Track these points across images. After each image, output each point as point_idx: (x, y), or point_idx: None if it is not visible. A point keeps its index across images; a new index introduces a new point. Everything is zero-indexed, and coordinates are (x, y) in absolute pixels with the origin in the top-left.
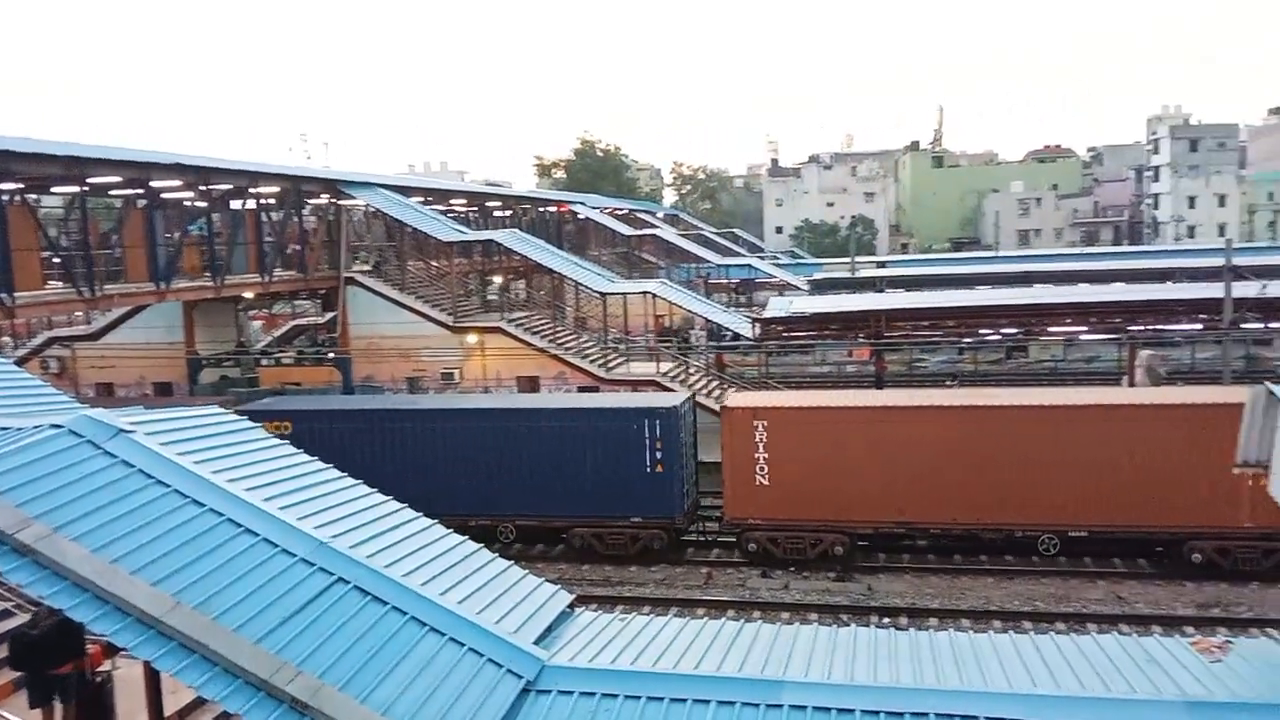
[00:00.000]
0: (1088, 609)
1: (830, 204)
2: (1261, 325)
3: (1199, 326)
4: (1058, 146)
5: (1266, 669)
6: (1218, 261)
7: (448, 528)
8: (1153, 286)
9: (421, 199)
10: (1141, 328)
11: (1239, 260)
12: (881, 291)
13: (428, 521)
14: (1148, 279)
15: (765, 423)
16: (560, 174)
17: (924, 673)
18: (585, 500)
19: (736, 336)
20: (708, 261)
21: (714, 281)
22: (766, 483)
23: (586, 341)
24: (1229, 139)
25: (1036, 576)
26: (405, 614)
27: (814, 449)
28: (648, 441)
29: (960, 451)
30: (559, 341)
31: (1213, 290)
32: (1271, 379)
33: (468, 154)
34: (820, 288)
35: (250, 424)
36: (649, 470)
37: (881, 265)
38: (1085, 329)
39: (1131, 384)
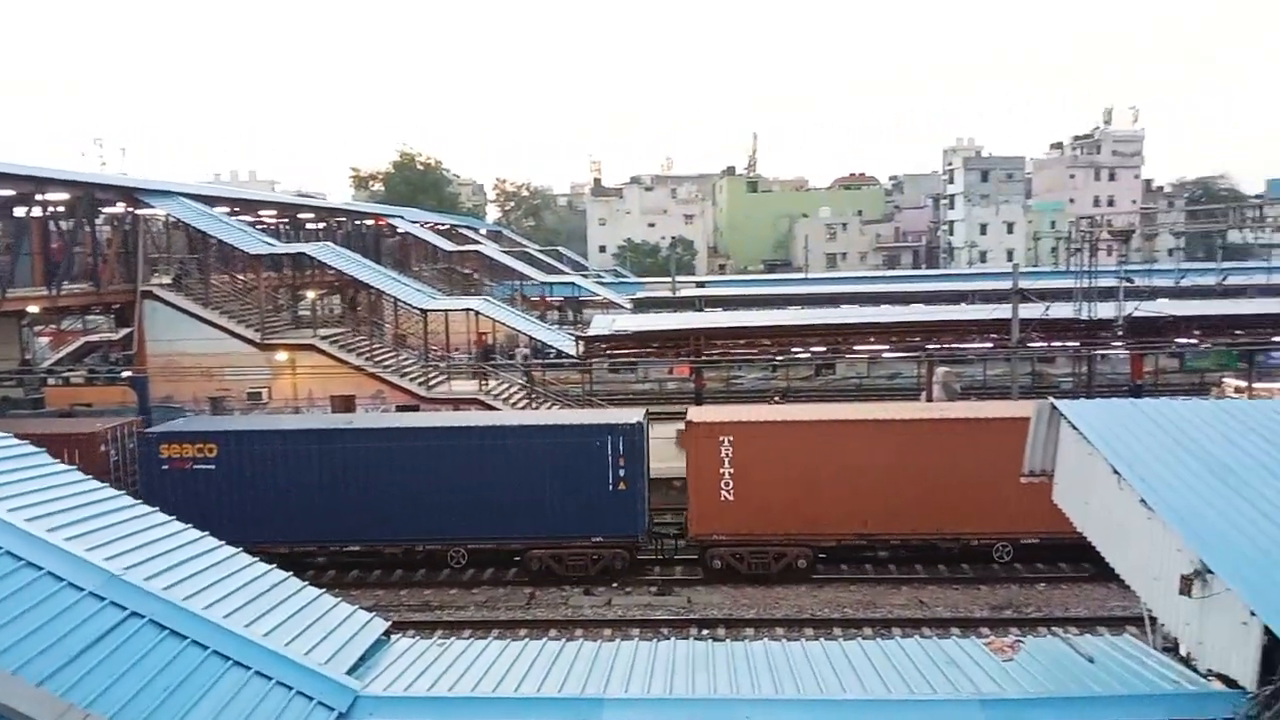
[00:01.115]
0: (893, 614)
1: (652, 224)
2: (1045, 344)
3: (990, 345)
4: (862, 175)
5: (1052, 665)
6: (1006, 284)
7: (395, 552)
8: (948, 308)
9: (228, 209)
10: (938, 346)
11: (1025, 283)
12: (700, 311)
13: (231, 550)
14: (944, 300)
15: (731, 438)
16: (378, 187)
17: (740, 683)
18: (544, 521)
19: (561, 354)
20: (532, 279)
21: (538, 299)
22: (732, 498)
23: (406, 359)
24: (1016, 171)
25: (845, 584)
26: (206, 648)
27: (780, 463)
28: (610, 458)
29: (919, 464)
30: (377, 359)
31: (1002, 311)
32: (1055, 394)
33: (279, 164)
34: (642, 306)
35: (33, 449)
36: (612, 488)
37: (701, 285)
38: (887, 347)
39: (929, 399)
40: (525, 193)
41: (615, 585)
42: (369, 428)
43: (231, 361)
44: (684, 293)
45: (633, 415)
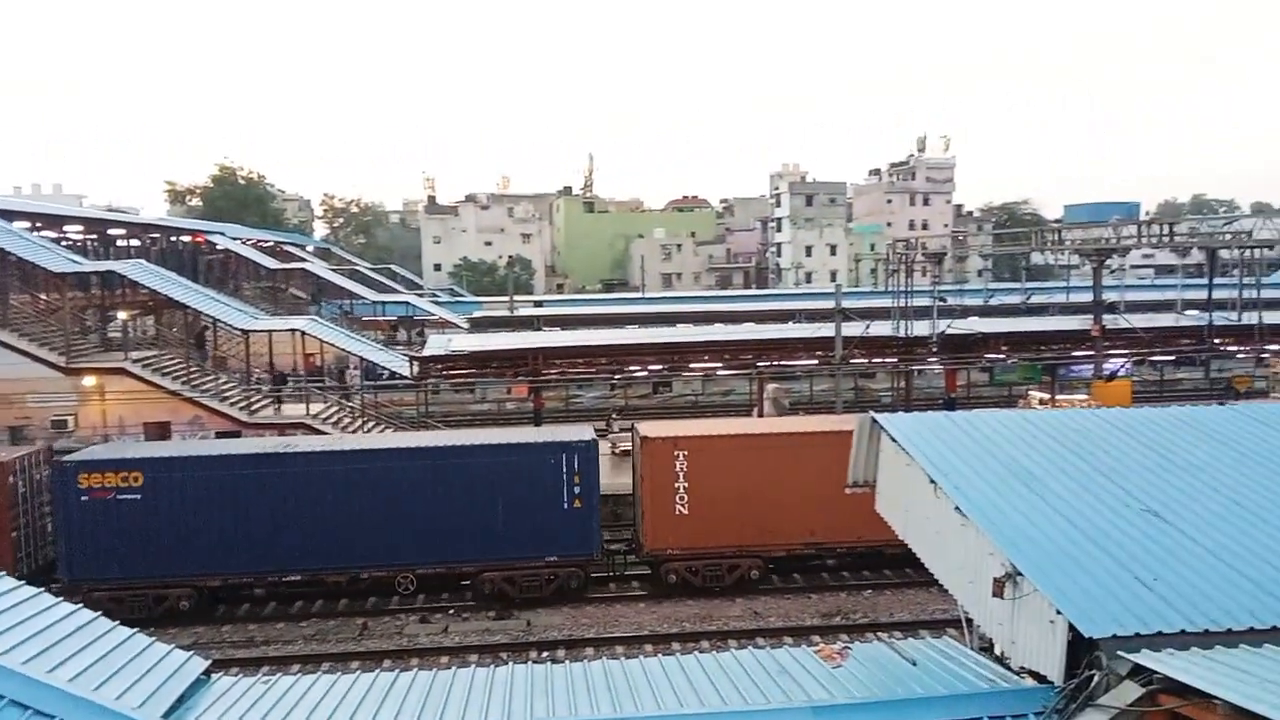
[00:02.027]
0: (729, 626)
1: (488, 243)
2: (866, 360)
3: (816, 362)
4: (695, 197)
5: (878, 669)
6: (830, 304)
7: (339, 581)
8: (777, 326)
9: (28, 224)
10: (768, 363)
11: (847, 303)
12: (539, 330)
13: (32, 590)
14: (773, 319)
15: (685, 452)
16: (197, 202)
17: (579, 705)
18: (498, 542)
19: (394, 375)
20: (363, 298)
21: (370, 319)
22: (686, 512)
23: (227, 382)
24: (839, 195)
25: (683, 599)
26: (2, 698)
27: (733, 476)
28: (565, 476)
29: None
30: (194, 383)
31: (826, 330)
32: (876, 408)
33: (88, 177)
34: (480, 326)
35: None
36: (567, 506)
37: (539, 304)
38: (721, 365)
39: (761, 414)
40: (355, 209)
41: (452, 612)
42: (309, 451)
43: (33, 387)
44: (522, 312)
45: (584, 432)
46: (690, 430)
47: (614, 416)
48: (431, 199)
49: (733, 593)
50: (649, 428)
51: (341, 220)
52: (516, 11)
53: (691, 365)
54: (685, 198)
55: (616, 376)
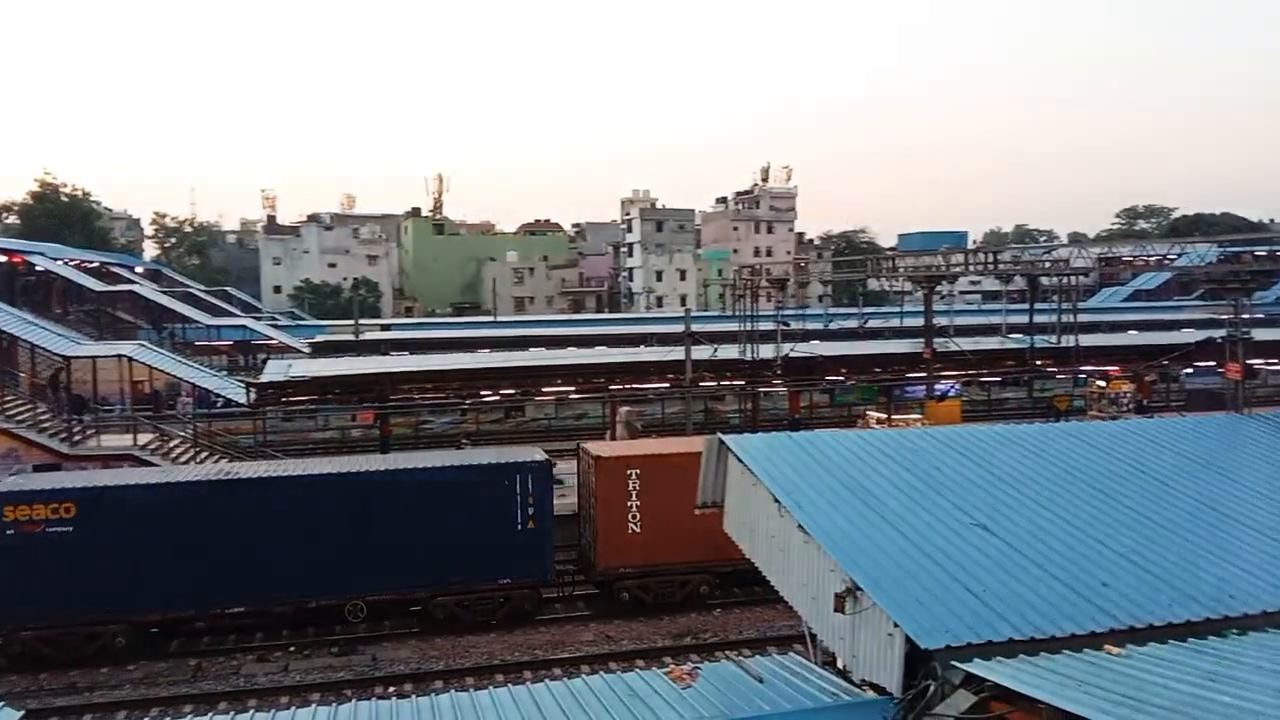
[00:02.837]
0: (581, 651)
1: (332, 265)
2: (715, 383)
3: (667, 385)
4: (547, 221)
5: (727, 688)
6: (680, 328)
7: (285, 611)
8: (629, 350)
9: None
10: (620, 386)
11: (697, 327)
12: (386, 354)
13: None
14: (625, 343)
15: (638, 470)
16: (14, 220)
17: None
18: (450, 566)
19: (230, 403)
20: (197, 322)
21: (205, 344)
22: (639, 530)
23: (44, 412)
24: (687, 222)
25: (536, 626)
26: None
27: (684, 494)
28: (520, 497)
29: None
30: (7, 413)
31: (677, 353)
32: (724, 429)
33: None
34: (323, 351)
35: None
36: (521, 527)
37: (386, 328)
38: (574, 389)
39: (614, 438)
40: (189, 228)
41: (292, 649)
42: (254, 478)
43: None
44: (368, 336)
45: (536, 453)
46: (639, 449)
47: (465, 442)
48: (271, 219)
49: (584, 619)
50: (598, 447)
51: (174, 240)
52: (361, 23)
53: (544, 389)
54: (538, 221)
55: (467, 401)
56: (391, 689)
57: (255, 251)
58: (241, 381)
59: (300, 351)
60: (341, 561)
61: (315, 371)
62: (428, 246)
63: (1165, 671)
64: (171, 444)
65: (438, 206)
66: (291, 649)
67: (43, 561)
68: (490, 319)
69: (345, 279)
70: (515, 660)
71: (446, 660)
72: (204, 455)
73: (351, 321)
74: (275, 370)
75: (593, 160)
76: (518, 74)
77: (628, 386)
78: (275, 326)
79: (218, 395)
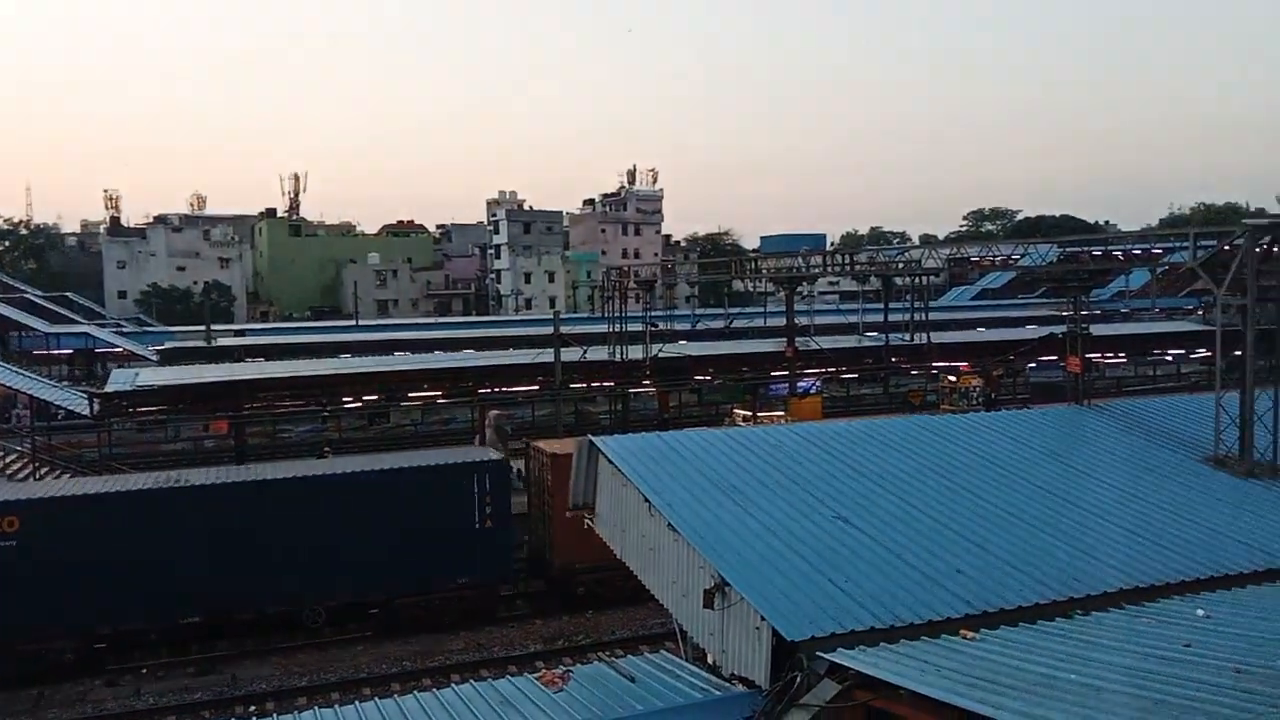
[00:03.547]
0: (451, 660)
1: (182, 268)
2: (585, 385)
3: (537, 387)
4: (411, 222)
5: (599, 689)
6: (549, 330)
7: (244, 619)
8: (498, 353)
9: None
10: (489, 390)
11: (566, 329)
12: (241, 361)
13: None
14: (494, 346)
15: None
16: None
17: None
18: (411, 568)
19: (71, 415)
20: (34, 329)
21: (42, 353)
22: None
23: None
24: (555, 224)
25: (405, 637)
26: None
27: None
28: (478, 497)
29: None
30: None
31: (546, 355)
32: (595, 431)
33: None
34: (173, 358)
35: None
36: (479, 526)
37: (240, 334)
38: (441, 393)
39: (483, 442)
40: (24, 230)
41: (144, 670)
42: (207, 484)
43: None
44: (221, 342)
45: (493, 452)
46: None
47: (327, 451)
48: (115, 220)
49: (455, 627)
50: (551, 445)
51: (7, 243)
52: (213, 14)
53: (410, 395)
54: (401, 222)
55: (328, 409)
56: (252, 708)
57: (98, 255)
58: (84, 392)
59: (148, 359)
60: (298, 566)
61: (164, 380)
62: (284, 248)
63: (1016, 653)
64: (7, 459)
65: (294, 207)
66: (144, 670)
67: None
68: (352, 323)
69: (196, 283)
70: (383, 673)
71: (310, 676)
72: (44, 471)
73: (203, 327)
74: (120, 379)
75: (458, 160)
76: (379, 70)
77: (496, 390)
78: (120, 333)
79: (58, 407)
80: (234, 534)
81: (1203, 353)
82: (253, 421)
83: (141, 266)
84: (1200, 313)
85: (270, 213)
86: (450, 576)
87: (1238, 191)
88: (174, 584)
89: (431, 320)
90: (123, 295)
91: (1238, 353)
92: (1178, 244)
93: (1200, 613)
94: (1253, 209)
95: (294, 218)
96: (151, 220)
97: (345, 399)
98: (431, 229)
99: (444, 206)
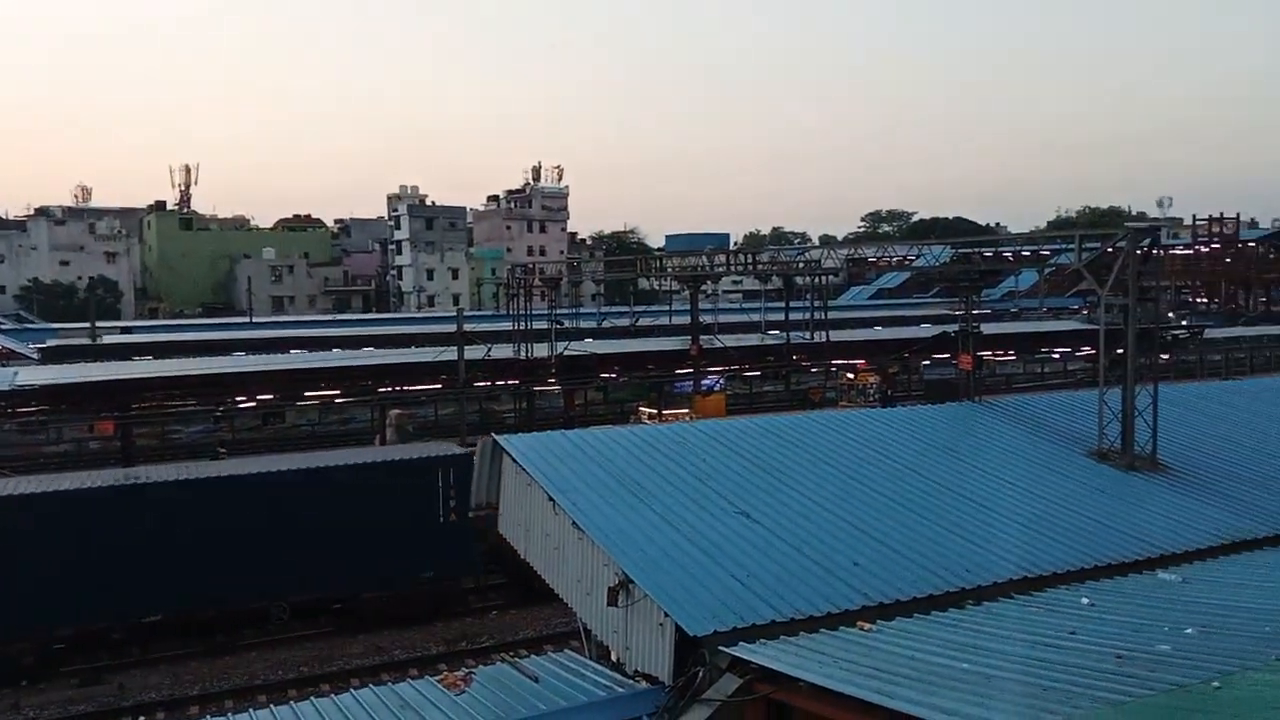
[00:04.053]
0: (350, 665)
1: (65, 263)
2: (489, 383)
3: (439, 386)
4: (308, 216)
5: (502, 690)
6: (452, 328)
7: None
8: (399, 351)
9: None
10: (390, 389)
11: (469, 327)
12: (129, 360)
13: None
14: (395, 344)
15: None
16: None
17: None
18: (373, 563)
19: None
20: None
21: None
22: None
23: None
24: (459, 220)
25: (301, 642)
26: None
27: None
28: (443, 492)
29: None
30: None
31: (449, 354)
32: (499, 430)
33: None
34: (55, 356)
35: None
36: (444, 520)
37: (127, 331)
38: (339, 392)
39: (383, 442)
40: None
41: (25, 683)
42: (167, 481)
43: None
44: (107, 340)
45: (453, 447)
46: None
47: (222, 453)
48: None
49: (353, 631)
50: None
51: None
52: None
53: (306, 394)
54: (297, 216)
55: (220, 409)
56: (141, 718)
57: None
58: None
59: (28, 358)
60: (262, 562)
61: (46, 379)
62: (174, 243)
63: (911, 644)
64: None
65: (185, 200)
66: (24, 684)
67: None
68: (245, 320)
69: (80, 278)
70: (279, 679)
71: (203, 685)
72: None
73: (88, 324)
74: None
75: (358, 154)
76: (275, 60)
77: (398, 389)
78: None
79: None
80: (194, 531)
81: (1087, 351)
82: (140, 422)
83: (22, 261)
84: (1085, 312)
85: (160, 205)
86: (416, 571)
87: (1121, 196)
88: (133, 583)
89: (329, 317)
90: (1, 290)
91: (1120, 351)
92: (1064, 246)
93: (1085, 601)
94: (1134, 212)
95: (185, 211)
96: (32, 212)
97: (238, 398)
98: (330, 224)
99: (343, 201)
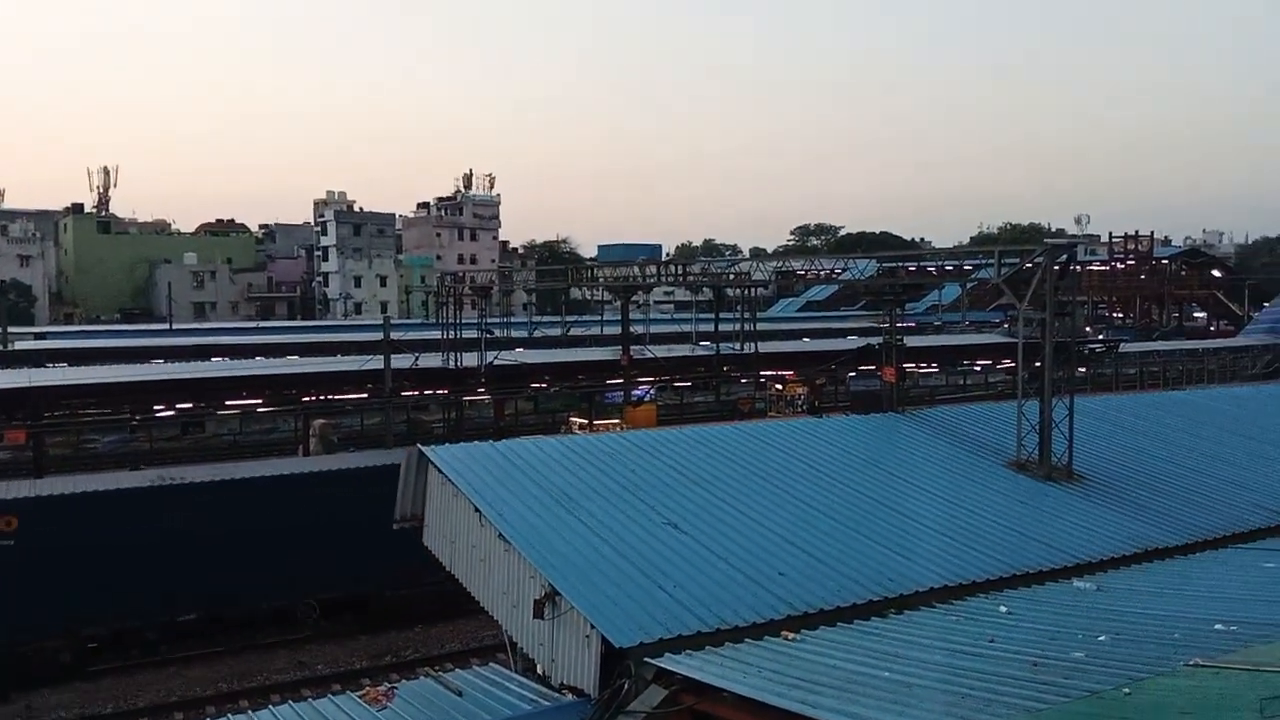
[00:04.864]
0: (271, 680)
1: None
2: (417, 393)
3: (365, 395)
4: (231, 221)
5: (425, 705)
6: (380, 336)
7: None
8: (325, 359)
9: None
10: (315, 398)
11: (397, 335)
12: (43, 367)
13: None
14: (320, 352)
15: None
16: None
17: None
18: (398, 559)
19: None
20: None
21: None
22: None
23: None
24: (388, 226)
25: (221, 657)
26: None
27: None
28: None
29: None
30: None
31: (376, 362)
32: (427, 440)
33: None
34: None
35: None
36: None
37: (41, 337)
38: (261, 402)
39: (307, 453)
40: None
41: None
42: (202, 482)
43: None
44: (20, 346)
45: None
46: None
47: (140, 467)
48: None
49: (273, 645)
50: None
51: None
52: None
53: (228, 403)
54: (220, 221)
55: (137, 418)
56: None
57: None
58: None
59: None
60: (291, 561)
61: None
62: (92, 247)
63: (834, 653)
64: None
65: (103, 203)
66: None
67: None
68: (165, 327)
69: None
70: (196, 696)
71: (116, 703)
72: None
73: None
74: None
75: (284, 159)
76: (198, 61)
77: (323, 398)
78: None
79: None
80: (227, 531)
81: (1008, 363)
82: (53, 431)
83: None
84: (1005, 325)
85: (77, 208)
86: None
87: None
88: (168, 582)
89: (253, 325)
90: None
91: (1039, 364)
92: (985, 261)
93: (1004, 609)
94: (1054, 229)
95: (103, 214)
96: None
97: (156, 408)
98: (254, 229)
99: (268, 206)
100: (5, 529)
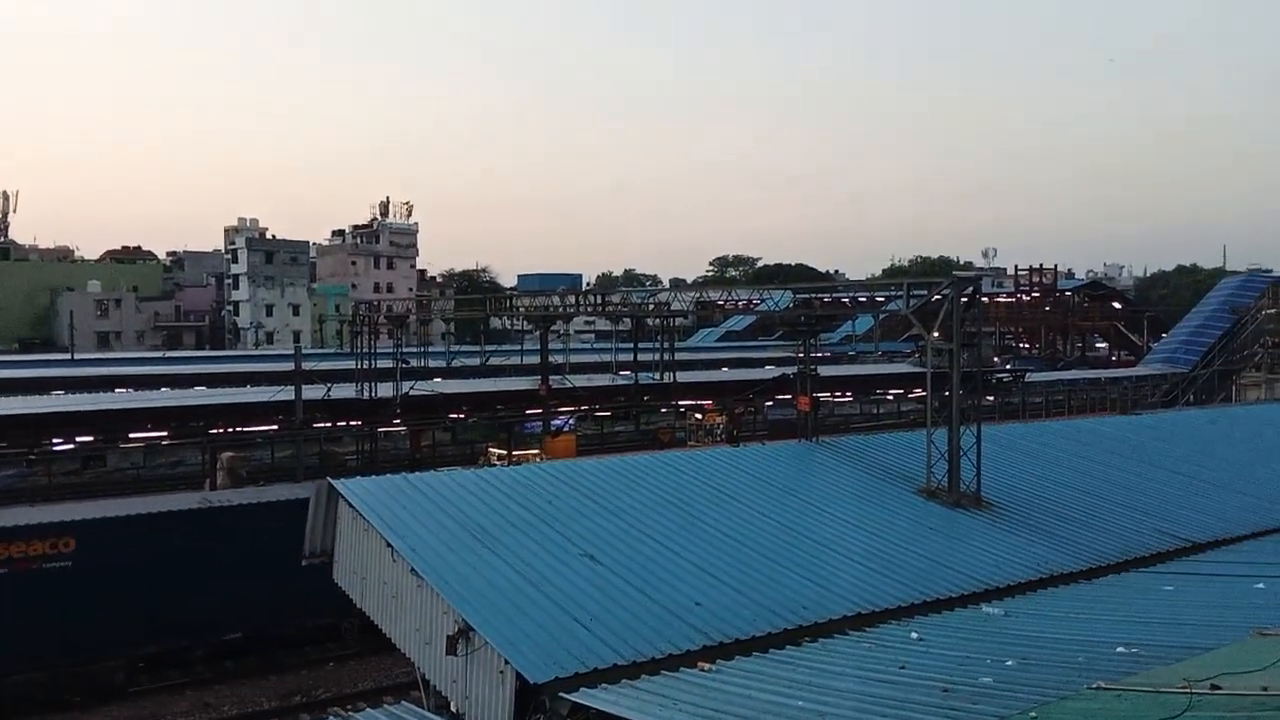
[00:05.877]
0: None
1: None
2: (330, 424)
3: (276, 427)
4: (138, 248)
5: None
6: (292, 366)
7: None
8: (234, 390)
9: None
10: (223, 430)
11: (310, 365)
12: None
13: None
14: (230, 383)
15: None
16: None
17: None
18: None
19: None
20: None
21: None
22: None
23: None
24: (301, 254)
25: (119, 702)
26: None
27: None
28: None
29: None
30: None
31: (287, 393)
32: (340, 473)
33: None
34: None
35: None
36: None
37: None
38: (167, 434)
39: (214, 486)
40: None
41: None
42: (244, 504)
43: None
44: None
45: None
46: None
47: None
48: None
49: (179, 686)
50: None
51: None
52: None
53: (131, 435)
54: (126, 248)
55: (34, 452)
56: None
57: None
58: None
59: None
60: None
61: None
62: None
63: (749, 683)
64: None
65: (3, 229)
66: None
67: (37, 602)
68: (67, 357)
69: None
70: None
71: None
72: None
73: None
74: None
75: (195, 184)
76: (106, 81)
77: (231, 430)
78: None
79: None
80: (268, 551)
81: (920, 392)
82: None
83: None
84: (916, 355)
85: None
86: None
87: (951, 246)
88: (215, 601)
89: (159, 355)
90: None
91: (948, 393)
92: (896, 293)
93: (915, 636)
94: (962, 262)
95: (2, 240)
96: None
97: (55, 440)
98: (161, 256)
99: (176, 233)
100: (62, 550)
